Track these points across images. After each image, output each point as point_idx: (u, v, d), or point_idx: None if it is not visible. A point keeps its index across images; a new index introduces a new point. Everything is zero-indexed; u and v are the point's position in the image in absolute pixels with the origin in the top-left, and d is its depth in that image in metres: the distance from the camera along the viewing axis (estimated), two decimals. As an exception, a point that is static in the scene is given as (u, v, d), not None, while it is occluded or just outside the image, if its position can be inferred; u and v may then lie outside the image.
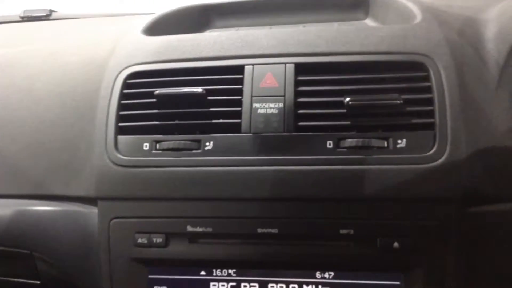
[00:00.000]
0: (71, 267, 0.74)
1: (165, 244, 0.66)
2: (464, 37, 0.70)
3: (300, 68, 0.68)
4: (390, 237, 0.61)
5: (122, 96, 0.71)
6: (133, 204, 0.67)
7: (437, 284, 0.61)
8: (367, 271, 0.63)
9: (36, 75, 0.81)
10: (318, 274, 0.64)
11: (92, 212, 0.70)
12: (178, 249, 0.65)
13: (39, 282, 0.80)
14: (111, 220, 0.67)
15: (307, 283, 0.65)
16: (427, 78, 0.65)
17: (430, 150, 0.61)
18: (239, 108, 0.66)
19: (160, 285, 0.68)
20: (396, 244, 0.61)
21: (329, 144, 0.63)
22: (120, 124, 0.69)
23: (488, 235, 0.63)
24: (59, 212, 0.73)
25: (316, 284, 0.65)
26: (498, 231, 0.64)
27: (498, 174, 0.61)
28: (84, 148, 0.71)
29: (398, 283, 0.63)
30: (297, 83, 0.67)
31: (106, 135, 0.69)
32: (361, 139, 0.62)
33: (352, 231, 0.62)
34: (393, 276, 0.63)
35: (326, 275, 0.64)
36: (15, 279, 0.80)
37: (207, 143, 0.66)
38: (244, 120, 0.65)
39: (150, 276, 0.68)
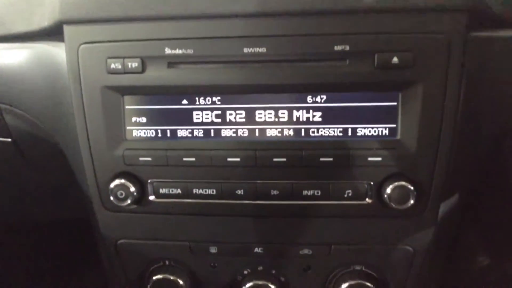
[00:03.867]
0: (42, 115, 0.68)
1: (141, 69, 0.59)
2: None
3: None
4: (390, 52, 0.55)
5: None
6: (103, 26, 0.59)
7: (436, 106, 0.57)
8: (362, 91, 0.58)
9: None
10: (309, 98, 0.60)
11: (59, 47, 0.63)
12: (156, 74, 0.59)
13: (10, 139, 0.75)
14: (80, 46, 0.60)
15: (298, 109, 0.60)
16: None
17: None
18: None
19: (139, 116, 0.62)
20: (395, 59, 0.56)
21: None
22: None
23: (492, 62, 0.59)
24: (25, 54, 0.66)
25: (307, 109, 0.60)
26: (503, 59, 0.59)
27: None
28: None
29: (394, 103, 0.59)
30: None
31: None
32: None
33: (347, 47, 0.56)
34: (389, 96, 0.58)
35: (318, 98, 0.60)
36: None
37: None
38: None
39: (127, 107, 0.62)
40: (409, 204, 0.58)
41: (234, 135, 0.62)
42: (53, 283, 1.15)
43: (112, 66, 0.59)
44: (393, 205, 0.58)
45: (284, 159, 0.60)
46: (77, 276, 1.19)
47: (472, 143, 0.62)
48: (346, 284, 0.65)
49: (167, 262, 0.69)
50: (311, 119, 0.60)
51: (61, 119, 0.66)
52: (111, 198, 0.62)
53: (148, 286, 0.68)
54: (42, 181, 0.84)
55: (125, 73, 0.59)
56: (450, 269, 0.85)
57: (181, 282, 0.67)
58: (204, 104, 0.61)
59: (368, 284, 0.64)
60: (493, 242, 1.01)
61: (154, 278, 0.68)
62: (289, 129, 0.61)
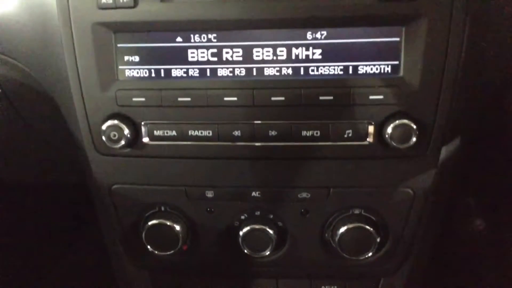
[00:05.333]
0: (33, 61, 0.66)
1: (133, 4, 0.56)
2: None
3: None
4: None
5: None
6: None
7: (441, 42, 0.55)
8: (364, 26, 0.56)
9: None
10: (309, 35, 0.57)
11: None
12: (148, 8, 0.57)
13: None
14: None
15: (297, 46, 0.58)
16: None
17: None
18: None
19: (131, 55, 0.60)
20: None
21: None
22: None
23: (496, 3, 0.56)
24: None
25: (307, 46, 0.58)
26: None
27: None
28: None
29: (397, 39, 0.56)
30: None
31: None
32: None
33: None
34: (392, 31, 0.56)
35: (318, 35, 0.57)
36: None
37: None
38: None
39: (119, 45, 0.60)
40: (411, 143, 0.56)
41: (231, 74, 0.59)
42: (49, 245, 1.14)
43: (103, 0, 0.56)
44: (395, 144, 0.57)
45: (283, 98, 0.58)
46: (73, 237, 1.19)
47: (475, 86, 0.60)
48: (345, 228, 0.64)
49: (162, 208, 0.68)
50: (310, 57, 0.58)
51: (51, 63, 0.64)
52: (104, 139, 0.60)
53: (143, 233, 0.67)
54: (35, 138, 0.82)
55: (116, 7, 0.57)
56: (446, 232, 0.85)
57: (177, 227, 0.66)
58: (200, 42, 0.59)
59: (367, 227, 0.63)
60: (490, 207, 1.01)
61: (150, 223, 0.66)
62: (288, 67, 0.59)
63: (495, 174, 0.89)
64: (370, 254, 0.65)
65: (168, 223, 0.66)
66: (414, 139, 0.56)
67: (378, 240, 0.64)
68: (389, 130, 0.57)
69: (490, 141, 0.79)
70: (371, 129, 0.59)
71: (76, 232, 1.22)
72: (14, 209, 1.07)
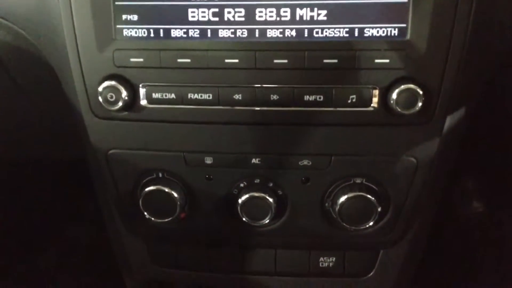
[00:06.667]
0: (28, 22, 0.64)
1: None
2: None
3: None
4: None
5: None
6: None
7: (449, 6, 0.54)
8: None
9: None
10: None
11: None
12: None
13: None
14: None
15: (301, 6, 0.56)
16: None
17: None
18: None
19: (130, 13, 0.58)
20: None
21: None
22: None
23: None
24: None
25: (312, 6, 0.56)
26: None
27: None
28: None
29: (405, 0, 0.55)
30: None
31: None
32: None
33: None
34: None
35: None
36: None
37: None
38: None
39: (117, 3, 0.58)
40: (417, 108, 0.55)
41: (233, 35, 0.57)
42: (46, 221, 1.14)
43: None
44: (399, 110, 0.55)
45: (286, 61, 0.56)
46: (71, 211, 1.18)
47: (482, 55, 0.59)
48: (345, 197, 0.63)
49: (160, 174, 0.67)
50: (315, 18, 0.56)
51: (48, 23, 0.62)
52: (101, 100, 0.59)
53: (140, 200, 0.66)
54: (30, 109, 0.81)
55: None
56: (445, 214, 0.84)
57: (175, 194, 0.65)
58: (200, 1, 0.57)
59: (368, 196, 0.62)
60: (490, 190, 1.01)
61: (147, 189, 0.65)
62: (291, 29, 0.57)
63: (497, 151, 0.88)
64: (370, 223, 0.64)
65: (166, 190, 0.65)
66: (419, 104, 0.55)
67: (379, 209, 0.63)
68: (394, 95, 0.55)
69: (494, 115, 0.78)
70: (375, 94, 0.57)
71: (74, 206, 1.21)
72: (11, 183, 1.06)
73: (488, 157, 0.92)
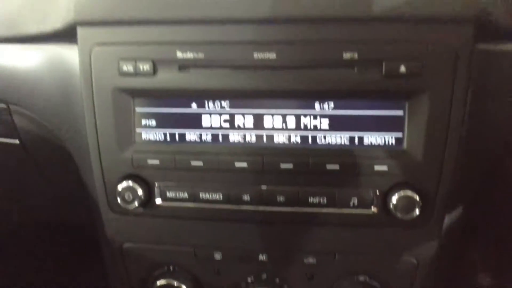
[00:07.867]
0: (51, 116, 0.69)
1: (152, 72, 0.60)
2: None
3: None
4: (397, 60, 0.56)
5: None
6: (116, 29, 0.60)
7: (443, 116, 0.58)
8: (369, 99, 0.59)
9: None
10: (317, 105, 0.60)
11: (71, 49, 0.64)
12: (167, 77, 0.60)
13: (18, 141, 0.75)
14: (92, 48, 0.61)
15: (305, 115, 0.61)
16: None
17: None
18: None
19: (148, 119, 0.63)
20: (403, 68, 0.56)
21: None
22: None
23: (498, 74, 0.59)
24: (36, 56, 0.67)
25: (315, 116, 0.61)
26: (509, 73, 0.59)
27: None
28: None
29: (401, 113, 0.59)
30: None
31: None
32: None
33: (356, 55, 0.57)
34: (396, 105, 0.59)
35: (326, 106, 0.60)
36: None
37: None
38: None
39: (137, 109, 0.63)
40: (414, 215, 0.58)
41: (242, 140, 0.62)
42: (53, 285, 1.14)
43: (124, 68, 0.60)
44: (399, 215, 0.58)
45: (291, 166, 0.60)
46: (77, 280, 1.18)
47: (477, 156, 0.62)
48: None
49: (171, 268, 0.69)
50: (318, 126, 0.61)
51: (70, 121, 0.67)
52: (119, 200, 0.62)
53: None
54: (49, 186, 0.85)
55: (136, 75, 0.60)
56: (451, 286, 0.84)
57: (184, 287, 0.67)
58: (213, 109, 0.62)
59: None
60: (494, 261, 1.00)
61: (158, 283, 0.67)
62: (296, 135, 0.61)
63: (499, 239, 0.89)
64: None
65: (176, 284, 0.67)
66: (417, 210, 0.58)
67: None
68: (394, 200, 0.58)
69: (492, 207, 0.80)
70: (375, 198, 0.60)
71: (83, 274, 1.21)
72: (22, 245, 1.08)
73: (489, 244, 0.93)
